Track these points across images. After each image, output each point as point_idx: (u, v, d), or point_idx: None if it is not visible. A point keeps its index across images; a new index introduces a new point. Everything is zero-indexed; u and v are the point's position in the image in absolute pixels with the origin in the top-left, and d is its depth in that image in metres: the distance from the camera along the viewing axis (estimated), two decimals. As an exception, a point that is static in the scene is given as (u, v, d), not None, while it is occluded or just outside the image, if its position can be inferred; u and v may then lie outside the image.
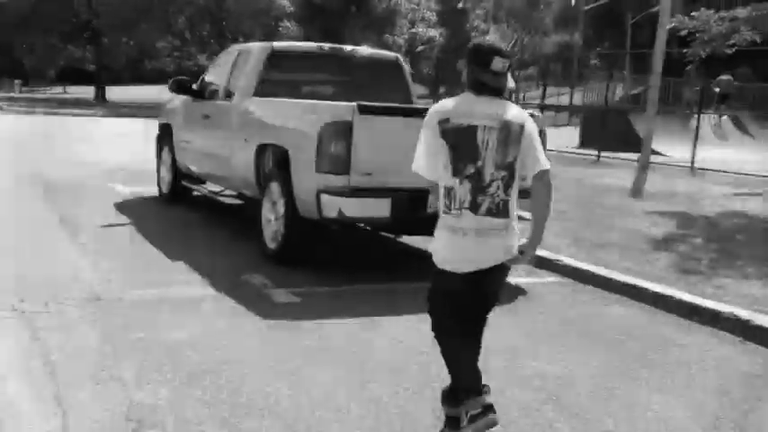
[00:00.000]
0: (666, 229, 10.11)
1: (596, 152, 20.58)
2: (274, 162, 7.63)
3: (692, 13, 12.94)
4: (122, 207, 10.17)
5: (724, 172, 18.48)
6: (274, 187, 7.42)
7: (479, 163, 3.56)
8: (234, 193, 9.15)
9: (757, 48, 12.81)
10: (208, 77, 9.92)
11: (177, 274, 6.83)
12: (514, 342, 5.51)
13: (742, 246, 9.12)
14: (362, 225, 7.83)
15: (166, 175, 10.70)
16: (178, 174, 10.35)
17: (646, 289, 6.91)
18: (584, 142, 24.70)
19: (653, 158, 15.18)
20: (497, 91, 3.64)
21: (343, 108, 6.61)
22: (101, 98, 48.86)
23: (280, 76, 8.58)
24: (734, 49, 12.83)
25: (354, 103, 6.58)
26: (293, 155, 7.01)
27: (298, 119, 7.14)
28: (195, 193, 10.49)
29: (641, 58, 36.48)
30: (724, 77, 30.45)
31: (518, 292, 6.96)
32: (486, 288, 3.75)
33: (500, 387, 4.61)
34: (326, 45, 8.82)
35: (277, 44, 8.64)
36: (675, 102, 30.30)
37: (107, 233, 8.37)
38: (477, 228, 3.58)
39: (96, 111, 37.17)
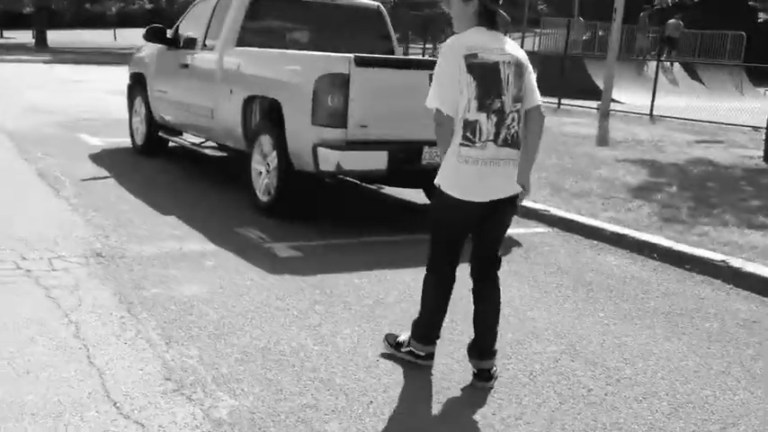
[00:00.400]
0: (640, 177, 10.30)
1: (556, 100, 20.72)
2: (265, 114, 7.57)
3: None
4: (97, 159, 10.01)
5: (682, 119, 18.79)
6: (265, 140, 7.37)
7: (504, 97, 3.72)
8: (214, 144, 9.06)
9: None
10: (183, 26, 9.72)
11: (171, 228, 6.78)
12: (522, 293, 5.62)
13: (714, 193, 9.36)
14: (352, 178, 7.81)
15: (140, 126, 10.52)
16: (153, 125, 10.15)
17: (634, 238, 7.06)
18: (543, 89, 24.78)
19: (612, 106, 15.36)
20: (503, 23, 3.83)
21: (339, 60, 6.55)
22: (42, 43, 47.43)
23: (262, 26, 8.46)
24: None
25: (351, 55, 6.54)
26: (287, 107, 6.96)
27: (291, 71, 7.06)
28: (172, 144, 10.34)
29: (590, 3, 36.60)
30: (672, 21, 30.78)
31: (512, 242, 7.05)
32: (503, 216, 3.95)
33: (518, 339, 4.73)
34: (310, -7, 8.70)
35: (260, -9, 8.49)
36: (628, 49, 30.56)
37: (90, 187, 8.22)
38: (498, 158, 3.75)
39: (39, 56, 36.10)
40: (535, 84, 3.91)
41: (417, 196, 8.56)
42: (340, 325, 4.76)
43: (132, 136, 10.80)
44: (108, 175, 8.95)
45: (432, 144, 6.76)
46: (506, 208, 3.91)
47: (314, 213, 7.60)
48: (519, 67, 3.79)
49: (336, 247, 6.59)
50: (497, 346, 4.15)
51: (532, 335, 4.83)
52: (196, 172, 9.54)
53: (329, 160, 6.54)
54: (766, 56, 32.63)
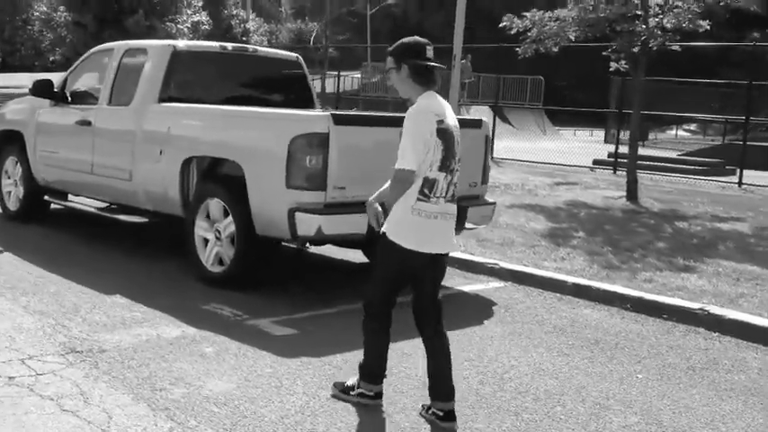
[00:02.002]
0: (542, 223, 10.46)
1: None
2: (210, 177, 6.96)
3: (524, 14, 13.43)
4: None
5: (519, 161, 19.54)
6: (214, 205, 6.77)
7: (456, 158, 4.16)
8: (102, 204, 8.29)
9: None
10: (73, 80, 8.83)
11: (127, 310, 6.02)
12: (546, 359, 5.44)
13: (618, 236, 9.65)
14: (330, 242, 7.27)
15: (14, 189, 9.41)
16: (34, 188, 9.11)
17: (600, 289, 7.09)
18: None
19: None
20: (437, 81, 4.17)
21: (317, 118, 6.15)
22: None
23: (183, 79, 7.81)
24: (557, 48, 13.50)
25: (329, 113, 6.15)
26: (251, 169, 6.42)
27: (258, 130, 6.53)
28: (55, 206, 9.33)
29: (380, 51, 37.67)
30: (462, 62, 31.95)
31: (484, 301, 6.88)
32: (443, 268, 4.35)
33: (590, 411, 4.53)
34: (229, 45, 8.15)
35: (179, 44, 7.84)
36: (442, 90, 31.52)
37: (2, 267, 7.19)
38: (446, 212, 4.14)
39: None
40: None
41: (347, 255, 8.20)
42: (397, 402, 4.34)
43: (3, 201, 9.62)
44: (1, 249, 7.87)
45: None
46: (444, 261, 4.29)
47: (267, 282, 7.02)
48: (458, 129, 4.22)
49: (321, 318, 6.12)
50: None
51: (600, 406, 4.64)
52: (98, 239, 8.62)
53: (309, 225, 6.08)
54: (562, 98, 34.98)
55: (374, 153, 6.41)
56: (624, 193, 13.72)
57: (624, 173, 17.77)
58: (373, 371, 4.39)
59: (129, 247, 8.29)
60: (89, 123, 8.12)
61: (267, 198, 6.29)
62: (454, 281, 7.56)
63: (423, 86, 4.13)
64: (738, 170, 17.09)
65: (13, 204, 9.46)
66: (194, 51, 7.94)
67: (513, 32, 13.87)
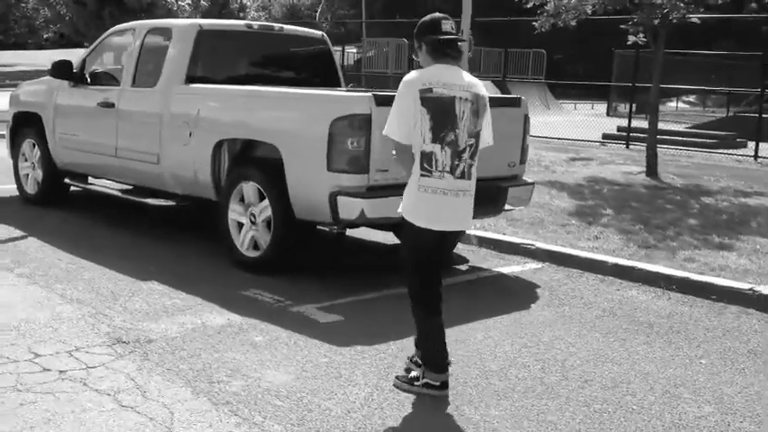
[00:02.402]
0: (567, 201, 10.30)
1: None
2: (247, 160, 6.78)
3: (542, -14, 13.21)
4: (-8, 214, 8.63)
5: (534, 137, 19.32)
6: (249, 189, 6.59)
7: (458, 131, 3.98)
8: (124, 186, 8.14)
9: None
10: (92, 61, 8.61)
11: (166, 297, 5.87)
12: (603, 345, 5.30)
13: (648, 213, 9.49)
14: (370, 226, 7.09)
15: (32, 172, 9.21)
16: (54, 171, 8.93)
17: (644, 270, 6.94)
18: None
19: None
20: (456, 56, 4.08)
21: (359, 99, 5.95)
22: None
23: (209, 59, 7.61)
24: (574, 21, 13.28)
25: (370, 93, 5.95)
26: (289, 153, 6.23)
27: (296, 112, 6.33)
28: (72, 189, 9.14)
29: (376, 26, 37.25)
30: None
31: (525, 283, 6.74)
32: (450, 247, 4.40)
33: (663, 401, 4.38)
34: (255, 23, 7.94)
35: (204, 23, 7.62)
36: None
37: (20, 251, 7.02)
38: (455, 188, 4.01)
39: None
40: (490, 123, 4.22)
41: (378, 237, 8.05)
42: (463, 394, 4.20)
43: (20, 185, 9.42)
44: (23, 233, 7.69)
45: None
46: (454, 240, 4.30)
47: (302, 267, 6.86)
48: (476, 104, 4.06)
49: (365, 304, 5.96)
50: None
51: (670, 395, 4.50)
52: (121, 222, 8.45)
53: (352, 209, 5.91)
54: (565, 72, 34.74)
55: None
56: (642, 169, 13.57)
57: (637, 147, 17.75)
58: (435, 359, 4.21)
59: (155, 231, 8.12)
60: (112, 105, 7.91)
61: (307, 181, 6.12)
62: (491, 262, 7.42)
63: (437, 60, 4.07)
64: (752, 143, 16.92)
65: (31, 187, 9.26)
66: (220, 30, 7.73)
67: (529, 6, 13.64)
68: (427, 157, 3.96)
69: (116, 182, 8.50)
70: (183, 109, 7.18)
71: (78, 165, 8.63)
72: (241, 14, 34.97)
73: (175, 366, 4.54)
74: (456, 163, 4.00)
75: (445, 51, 4.06)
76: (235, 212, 6.75)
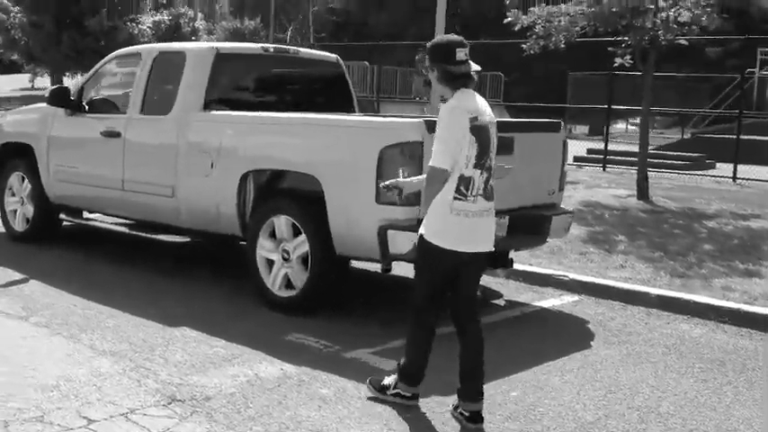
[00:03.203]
0: (575, 228, 9.98)
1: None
2: (277, 193, 6.37)
3: (530, 9, 13.03)
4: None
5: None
6: (282, 223, 6.17)
7: (492, 155, 4.16)
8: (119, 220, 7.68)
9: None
10: (91, 87, 8.12)
11: (206, 345, 5.41)
12: (683, 388, 5.00)
13: (659, 239, 9.29)
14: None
15: (22, 208, 8.62)
16: (46, 206, 8.37)
17: (689, 301, 6.70)
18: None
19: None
20: (472, 85, 4.17)
21: (410, 126, 5.59)
22: None
23: (226, 84, 7.19)
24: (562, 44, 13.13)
25: (421, 120, 5.61)
26: (331, 184, 5.84)
27: (339, 139, 5.94)
28: (66, 223, 8.59)
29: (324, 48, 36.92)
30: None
31: (572, 319, 6.46)
32: (482, 265, 4.36)
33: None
34: (270, 46, 7.53)
35: (221, 46, 7.19)
36: (404, 91, 31.10)
37: (32, 296, 6.48)
38: (484, 209, 4.14)
39: None
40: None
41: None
42: None
43: (7, 221, 8.82)
44: (22, 275, 7.13)
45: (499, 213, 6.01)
46: (484, 260, 4.29)
47: (338, 306, 6.45)
48: (495, 126, 4.21)
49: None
50: None
51: None
52: (124, 259, 7.93)
53: (403, 244, 5.52)
54: (520, 94, 34.84)
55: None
56: (630, 192, 13.48)
57: (614, 169, 17.75)
58: (413, 373, 4.37)
59: (162, 269, 7.62)
60: (118, 135, 7.42)
61: (352, 215, 5.72)
62: (526, 295, 7.10)
63: (454, 89, 4.13)
64: (720, 164, 17.01)
65: (19, 224, 8.67)
66: (237, 54, 7.31)
67: (517, 29, 13.46)
68: (465, 182, 4.04)
69: (116, 217, 7.98)
70: (203, 138, 6.74)
71: (76, 199, 8.10)
72: (193, 38, 34.10)
73: (249, 429, 4.09)
74: (488, 186, 4.14)
75: (462, 81, 4.12)
76: (264, 249, 6.32)
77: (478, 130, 4.05)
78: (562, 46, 13.19)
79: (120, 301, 6.35)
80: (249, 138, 6.48)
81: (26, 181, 8.53)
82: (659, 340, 5.90)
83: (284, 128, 6.35)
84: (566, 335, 6.01)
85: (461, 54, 4.12)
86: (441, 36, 4.35)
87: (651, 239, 9.31)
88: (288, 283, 6.22)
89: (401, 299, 6.99)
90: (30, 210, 8.52)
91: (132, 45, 26.08)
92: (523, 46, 13.47)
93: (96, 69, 8.13)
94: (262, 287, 6.34)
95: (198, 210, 6.82)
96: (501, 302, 6.89)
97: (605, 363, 5.35)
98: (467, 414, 4.19)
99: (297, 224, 6.07)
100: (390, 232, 5.53)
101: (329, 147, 5.92)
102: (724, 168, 17.66)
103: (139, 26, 26.43)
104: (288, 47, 7.70)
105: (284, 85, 7.74)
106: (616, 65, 13.44)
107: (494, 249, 4.32)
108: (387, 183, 4.47)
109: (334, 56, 8.07)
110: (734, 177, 16.55)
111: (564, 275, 7.38)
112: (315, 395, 4.59)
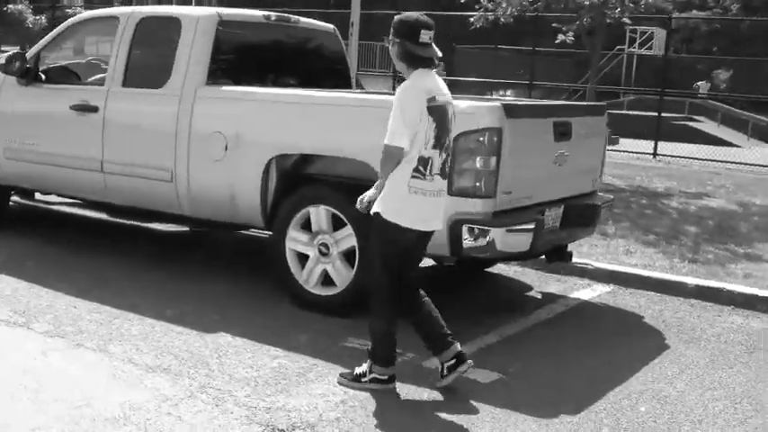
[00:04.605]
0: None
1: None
2: (314, 180, 5.67)
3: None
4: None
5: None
6: (321, 214, 5.48)
7: (450, 135, 4.19)
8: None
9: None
10: (50, 53, 7.08)
11: (266, 357, 4.71)
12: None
13: (637, 218, 9.13)
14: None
15: (-41, 189, 7.48)
16: (-6, 188, 7.30)
17: (728, 290, 6.50)
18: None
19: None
20: (432, 66, 4.15)
21: (489, 110, 5.00)
22: None
23: (228, 55, 6.36)
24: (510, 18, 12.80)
25: (499, 104, 5.04)
26: (390, 171, 5.16)
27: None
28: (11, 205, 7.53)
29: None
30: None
31: (621, 314, 6.10)
32: (425, 246, 4.39)
33: None
34: (272, 14, 6.70)
35: (223, 12, 6.32)
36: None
37: (16, 297, 5.54)
38: (438, 189, 4.16)
39: None
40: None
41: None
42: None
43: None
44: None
45: (556, 203, 5.59)
46: (429, 238, 4.34)
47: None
48: (452, 107, 4.23)
49: (499, 351, 5.06)
50: None
51: None
52: (97, 247, 6.97)
53: (479, 239, 4.97)
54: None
55: (540, 148, 5.45)
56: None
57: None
58: (387, 354, 4.26)
59: (154, 261, 6.73)
60: (94, 109, 6.46)
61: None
62: (554, 286, 6.68)
63: (413, 67, 4.10)
64: (623, 140, 17.30)
65: (-43, 208, 7.51)
66: (239, 21, 6.47)
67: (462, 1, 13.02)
68: (424, 162, 4.04)
69: (82, 201, 7.03)
70: (214, 116, 5.92)
71: (34, 180, 7.09)
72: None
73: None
74: (445, 165, 4.15)
75: (423, 62, 4.10)
76: (295, 242, 5.61)
77: (435, 111, 4.03)
78: (510, 19, 12.84)
79: (127, 301, 5.51)
80: (281, 118, 5.70)
81: (-35, 159, 7.38)
82: (729, 336, 5.60)
83: (333, 109, 5.61)
84: (632, 332, 5.65)
85: (426, 36, 4.07)
86: (409, 13, 4.20)
87: (632, 221, 9.12)
88: (325, 281, 5.53)
89: (452, 293, 6.41)
90: (-31, 191, 7.40)
91: (11, 1, 24.40)
92: (471, 19, 13.02)
93: (57, 33, 7.08)
94: (291, 284, 5.65)
95: (205, 197, 6.01)
96: (536, 295, 6.44)
97: (699, 366, 4.99)
98: (452, 362, 4.21)
99: (340, 215, 5.38)
100: (467, 227, 4.95)
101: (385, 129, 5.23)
102: (626, 144, 17.87)
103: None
104: (288, 15, 6.88)
105: (282, 58, 6.94)
106: (558, 41, 13.22)
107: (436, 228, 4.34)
108: (361, 200, 4.21)
109: (331, 26, 7.34)
110: (654, 154, 16.75)
111: (587, 263, 7.00)
112: (427, 419, 4.01)
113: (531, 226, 5.18)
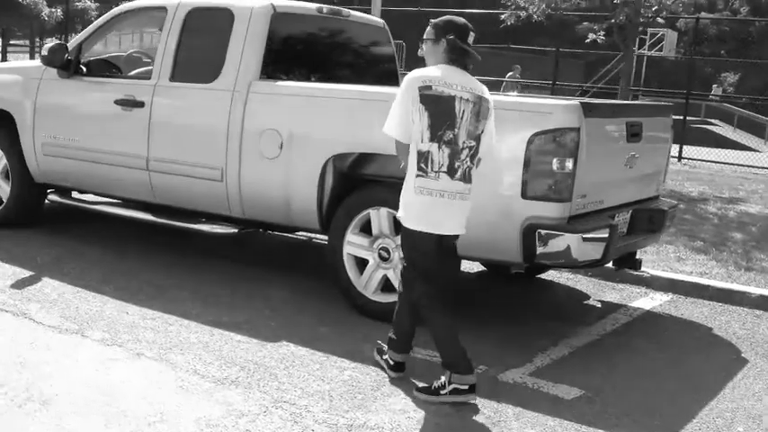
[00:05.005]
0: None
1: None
2: (373, 181, 5.44)
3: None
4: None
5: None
6: (383, 217, 5.27)
7: (456, 130, 3.90)
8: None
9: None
10: (91, 46, 6.86)
11: (332, 367, 4.49)
12: None
13: (685, 224, 8.91)
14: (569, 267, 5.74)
15: (-6, 185, 7.26)
16: (29, 184, 7.07)
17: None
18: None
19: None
20: (467, 67, 4.05)
21: (566, 108, 4.77)
22: None
23: (282, 49, 6.14)
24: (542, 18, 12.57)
25: (577, 102, 4.82)
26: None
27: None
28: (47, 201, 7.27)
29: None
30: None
31: (692, 326, 5.86)
32: (453, 253, 4.19)
33: None
34: (324, 7, 6.47)
35: (277, 4, 6.08)
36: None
37: (63, 300, 5.33)
38: (452, 190, 3.92)
39: None
40: (493, 129, 4.14)
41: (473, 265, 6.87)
42: None
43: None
44: (29, 271, 5.93)
45: (624, 208, 5.38)
46: (454, 244, 4.13)
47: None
48: (479, 105, 3.97)
49: (575, 365, 4.83)
50: None
51: None
52: (144, 250, 6.75)
53: (555, 246, 4.75)
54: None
55: (613, 149, 5.23)
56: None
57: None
58: (461, 360, 4.02)
59: (201, 264, 6.50)
60: (141, 104, 6.23)
61: (490, 210, 4.86)
62: (611, 294, 6.46)
63: (449, 62, 4.02)
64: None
65: (-10, 205, 7.29)
66: (293, 14, 6.23)
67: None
68: (423, 157, 3.88)
69: (122, 200, 6.81)
70: (269, 113, 5.70)
71: (72, 177, 6.85)
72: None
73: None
74: (455, 164, 3.91)
75: (462, 60, 4.02)
76: (353, 246, 5.39)
77: (429, 99, 3.86)
78: (542, 18, 12.61)
79: (180, 307, 5.29)
80: (342, 114, 5.47)
81: (2, 155, 7.17)
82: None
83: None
84: (705, 346, 5.43)
85: (471, 38, 4.08)
86: (451, 16, 4.18)
87: (676, 226, 8.85)
88: (385, 287, 5.31)
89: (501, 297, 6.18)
90: (4, 188, 7.18)
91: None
92: (502, 17, 12.79)
93: (100, 25, 6.84)
94: (349, 289, 5.42)
95: (257, 197, 5.79)
96: (595, 303, 6.21)
97: (783, 382, 4.76)
98: (394, 363, 4.28)
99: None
100: (542, 233, 4.72)
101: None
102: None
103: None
104: (339, 8, 6.64)
105: (335, 52, 6.72)
106: (588, 41, 13.00)
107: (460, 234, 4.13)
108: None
109: (381, 21, 7.12)
110: (679, 157, 16.52)
111: (643, 271, 6.75)
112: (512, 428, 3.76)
113: (606, 233, 4.94)
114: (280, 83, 5.79)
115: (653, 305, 6.21)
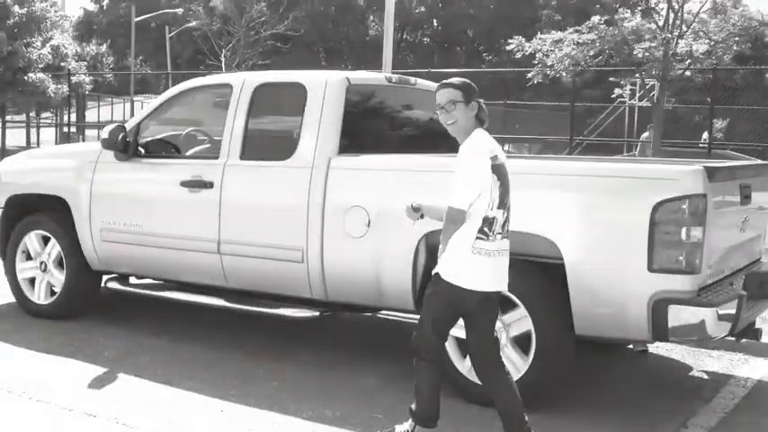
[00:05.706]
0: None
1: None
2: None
3: (539, 36, 12.28)
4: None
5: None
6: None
7: (510, 194, 4.07)
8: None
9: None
10: (150, 127, 6.60)
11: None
12: None
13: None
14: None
15: (45, 275, 6.92)
16: (84, 272, 6.75)
17: None
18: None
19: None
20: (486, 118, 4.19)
21: (690, 174, 4.51)
22: None
23: (357, 121, 5.90)
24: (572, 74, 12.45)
25: (701, 166, 4.55)
26: (575, 249, 4.67)
27: (586, 192, 4.75)
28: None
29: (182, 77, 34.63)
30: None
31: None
32: (496, 307, 4.23)
33: None
34: (393, 76, 6.26)
35: (351, 76, 5.85)
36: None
37: (170, 405, 4.94)
38: (502, 248, 4.04)
39: None
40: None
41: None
42: None
43: (20, 291, 7.07)
44: (104, 369, 5.54)
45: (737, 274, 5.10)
46: (497, 299, 4.19)
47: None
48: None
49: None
50: None
51: None
52: (213, 339, 6.39)
53: (689, 321, 4.44)
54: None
55: (731, 214, 4.97)
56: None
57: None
58: (431, 414, 4.20)
59: (285, 352, 6.13)
60: (209, 185, 5.94)
61: (612, 285, 4.56)
62: (712, 364, 6.10)
63: (479, 125, 4.12)
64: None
65: (41, 296, 6.95)
66: (366, 85, 6.02)
67: (518, 56, 12.70)
68: (489, 222, 3.98)
69: (189, 285, 6.47)
70: (353, 189, 5.43)
71: (134, 263, 6.53)
72: (63, 64, 31.47)
73: None
74: (505, 224, 4.05)
75: (484, 119, 4.16)
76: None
77: (499, 169, 4.00)
78: (568, 76, 12.50)
79: (273, 401, 4.95)
80: (435, 188, 5.16)
81: (51, 242, 6.86)
82: None
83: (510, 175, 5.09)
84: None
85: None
86: (461, 78, 4.21)
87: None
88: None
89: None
90: (57, 277, 6.84)
91: (30, 71, 23.82)
92: (529, 75, 12.67)
93: (160, 104, 6.59)
94: (452, 372, 5.05)
95: (343, 278, 5.48)
96: (700, 375, 5.87)
97: None
98: None
99: (512, 297, 4.83)
100: (674, 308, 4.41)
101: (572, 201, 4.73)
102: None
103: (38, 51, 24.01)
104: (407, 77, 6.42)
105: (405, 121, 6.49)
106: (614, 95, 12.89)
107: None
108: (413, 204, 4.30)
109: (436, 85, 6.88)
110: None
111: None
112: None
113: (737, 304, 4.64)
114: (363, 157, 5.53)
115: (762, 375, 5.87)
